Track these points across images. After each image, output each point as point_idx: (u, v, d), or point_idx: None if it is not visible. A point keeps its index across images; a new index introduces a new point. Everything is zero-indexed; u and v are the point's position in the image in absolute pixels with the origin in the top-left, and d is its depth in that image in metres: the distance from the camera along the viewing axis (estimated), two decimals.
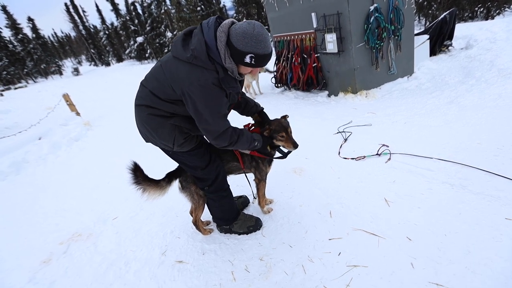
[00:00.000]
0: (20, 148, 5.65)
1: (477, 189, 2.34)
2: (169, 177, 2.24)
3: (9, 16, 36.43)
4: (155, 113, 1.79)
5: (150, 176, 2.16)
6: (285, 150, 2.32)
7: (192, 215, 2.49)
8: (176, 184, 2.30)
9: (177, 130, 1.85)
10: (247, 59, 1.61)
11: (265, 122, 2.32)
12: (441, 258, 1.82)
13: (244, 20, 1.55)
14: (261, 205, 2.63)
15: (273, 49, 7.15)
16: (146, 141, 2.01)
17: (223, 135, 1.76)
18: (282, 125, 2.20)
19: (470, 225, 2.01)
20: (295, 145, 2.20)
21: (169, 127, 1.82)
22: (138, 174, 2.08)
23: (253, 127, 2.32)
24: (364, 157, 3.22)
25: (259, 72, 6.83)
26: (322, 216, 2.45)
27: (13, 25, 36.58)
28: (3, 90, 25.47)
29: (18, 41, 37.05)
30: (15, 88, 28.04)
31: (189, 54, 1.59)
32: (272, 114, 2.44)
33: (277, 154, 2.39)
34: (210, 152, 2.13)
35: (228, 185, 2.32)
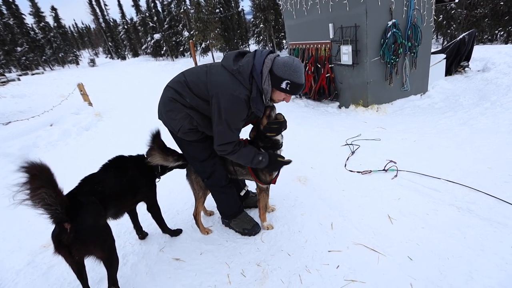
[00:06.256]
0: (31, 133, 5.76)
1: (484, 214, 2.28)
2: (179, 157, 2.30)
3: (33, 4, 37.50)
4: (178, 99, 1.98)
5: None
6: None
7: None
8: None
9: (188, 119, 2.00)
10: (283, 85, 1.89)
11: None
12: (442, 281, 1.78)
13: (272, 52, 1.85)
14: (261, 218, 2.51)
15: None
16: (159, 118, 2.16)
17: (229, 145, 1.97)
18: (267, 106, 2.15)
19: (474, 251, 1.96)
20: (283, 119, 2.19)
21: (183, 114, 1.99)
22: (156, 141, 2.18)
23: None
24: (371, 171, 3.18)
25: None
26: (323, 227, 2.42)
27: (37, 13, 37.64)
28: (20, 75, 26.08)
29: (39, 28, 38.07)
30: (32, 74, 28.67)
31: (236, 67, 1.88)
32: None
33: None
34: (212, 148, 2.13)
35: (227, 184, 2.33)
